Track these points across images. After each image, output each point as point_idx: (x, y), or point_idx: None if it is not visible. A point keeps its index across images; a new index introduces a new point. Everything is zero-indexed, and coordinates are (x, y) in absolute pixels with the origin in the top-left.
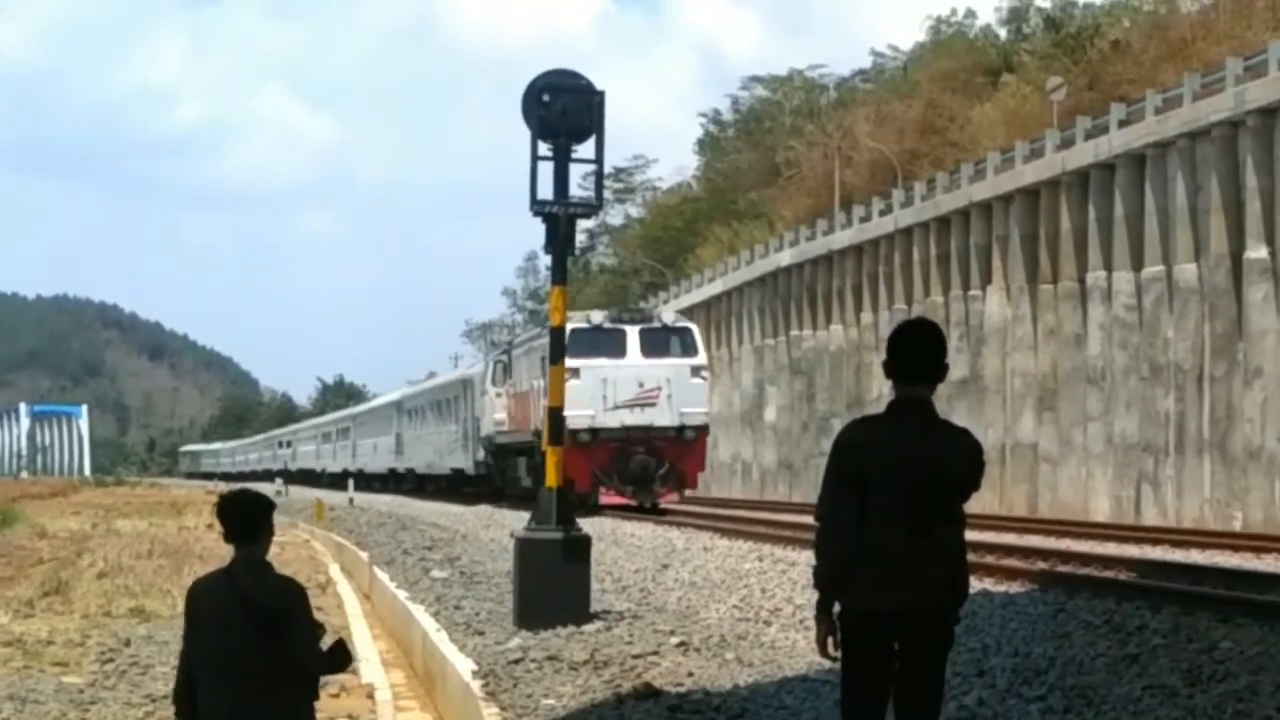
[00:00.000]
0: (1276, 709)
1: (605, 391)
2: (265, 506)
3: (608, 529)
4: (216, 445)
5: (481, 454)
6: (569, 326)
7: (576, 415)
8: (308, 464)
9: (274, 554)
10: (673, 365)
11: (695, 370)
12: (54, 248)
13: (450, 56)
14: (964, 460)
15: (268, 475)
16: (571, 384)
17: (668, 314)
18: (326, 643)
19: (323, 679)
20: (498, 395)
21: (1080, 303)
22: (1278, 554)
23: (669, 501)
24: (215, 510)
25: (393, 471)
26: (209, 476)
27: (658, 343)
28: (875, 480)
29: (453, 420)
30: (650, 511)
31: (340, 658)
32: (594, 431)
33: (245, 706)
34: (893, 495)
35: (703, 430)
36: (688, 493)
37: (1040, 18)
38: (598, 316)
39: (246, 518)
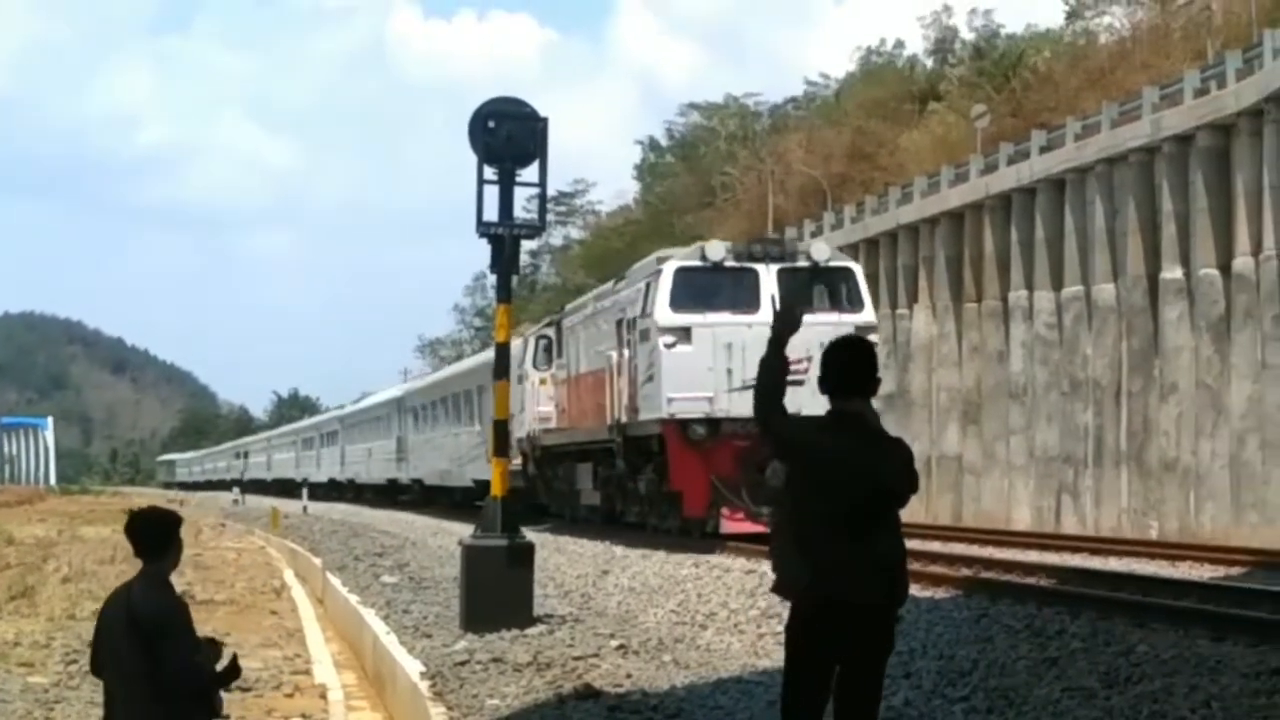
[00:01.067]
0: (1190, 710)
1: (730, 362)
2: (170, 524)
3: (550, 536)
4: (189, 454)
5: (516, 462)
6: (672, 265)
7: (685, 399)
8: (285, 473)
9: (231, 559)
10: (829, 323)
11: (862, 332)
12: (21, 266)
13: (402, 85)
14: (899, 471)
15: (243, 486)
16: (677, 352)
17: (819, 247)
18: (226, 658)
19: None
20: (541, 382)
21: (1003, 321)
22: (1192, 562)
23: None
24: (124, 527)
25: (393, 483)
26: (184, 486)
27: (806, 290)
28: (814, 482)
29: (474, 419)
30: None
31: (229, 675)
32: (713, 424)
33: (130, 709)
34: (833, 504)
35: None
36: None
37: (966, 48)
38: (717, 249)
39: (150, 535)
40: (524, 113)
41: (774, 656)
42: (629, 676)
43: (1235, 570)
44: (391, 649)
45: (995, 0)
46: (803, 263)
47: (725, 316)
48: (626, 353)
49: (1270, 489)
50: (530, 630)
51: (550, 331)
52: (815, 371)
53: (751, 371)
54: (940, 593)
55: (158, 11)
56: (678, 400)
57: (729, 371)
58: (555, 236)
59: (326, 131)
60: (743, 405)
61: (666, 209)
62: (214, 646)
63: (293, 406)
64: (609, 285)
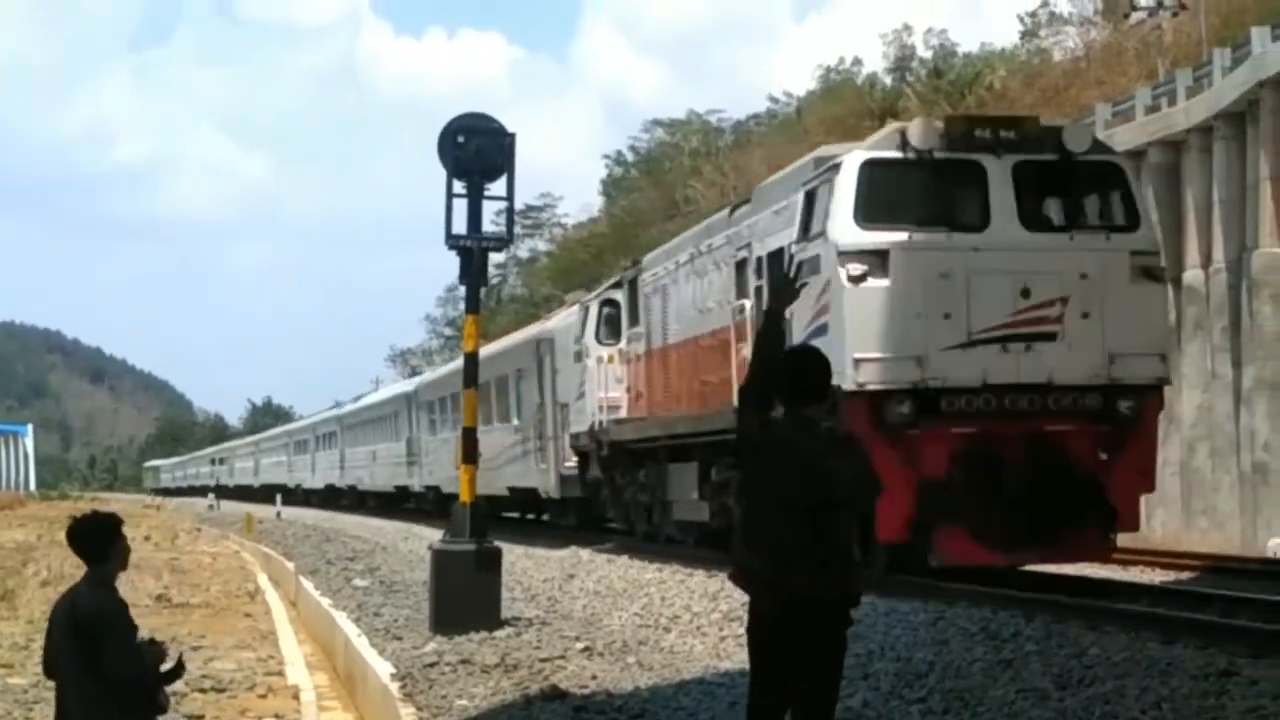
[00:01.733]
0: (1141, 711)
1: (946, 303)
2: (108, 529)
3: (517, 541)
4: (174, 460)
5: (570, 464)
6: (856, 158)
7: (879, 362)
8: (276, 478)
9: (207, 563)
10: (1094, 250)
11: (1141, 265)
12: (2, 278)
13: (373, 100)
14: (859, 475)
15: (219, 492)
16: (868, 289)
17: (1077, 132)
18: (173, 659)
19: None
20: (607, 360)
21: None
22: (1143, 566)
23: (1087, 560)
24: (65, 534)
25: (403, 490)
26: (169, 492)
27: (1057, 196)
28: (773, 485)
29: (512, 413)
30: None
31: (173, 674)
32: (924, 398)
33: (79, 709)
34: (790, 507)
35: (1153, 397)
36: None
37: (924, 66)
38: (925, 132)
39: (90, 540)
40: (492, 128)
41: (736, 659)
42: (594, 678)
43: (1185, 575)
44: (362, 651)
45: (952, 20)
46: (1050, 155)
47: (937, 237)
48: (751, 305)
49: (1220, 496)
50: (498, 632)
51: (618, 294)
52: (1080, 315)
53: (978, 320)
54: (897, 596)
55: (136, 28)
56: (869, 363)
57: (946, 318)
58: (522, 249)
59: (300, 146)
60: (966, 370)
61: (631, 222)
62: (156, 647)
63: (266, 414)
64: (718, 216)
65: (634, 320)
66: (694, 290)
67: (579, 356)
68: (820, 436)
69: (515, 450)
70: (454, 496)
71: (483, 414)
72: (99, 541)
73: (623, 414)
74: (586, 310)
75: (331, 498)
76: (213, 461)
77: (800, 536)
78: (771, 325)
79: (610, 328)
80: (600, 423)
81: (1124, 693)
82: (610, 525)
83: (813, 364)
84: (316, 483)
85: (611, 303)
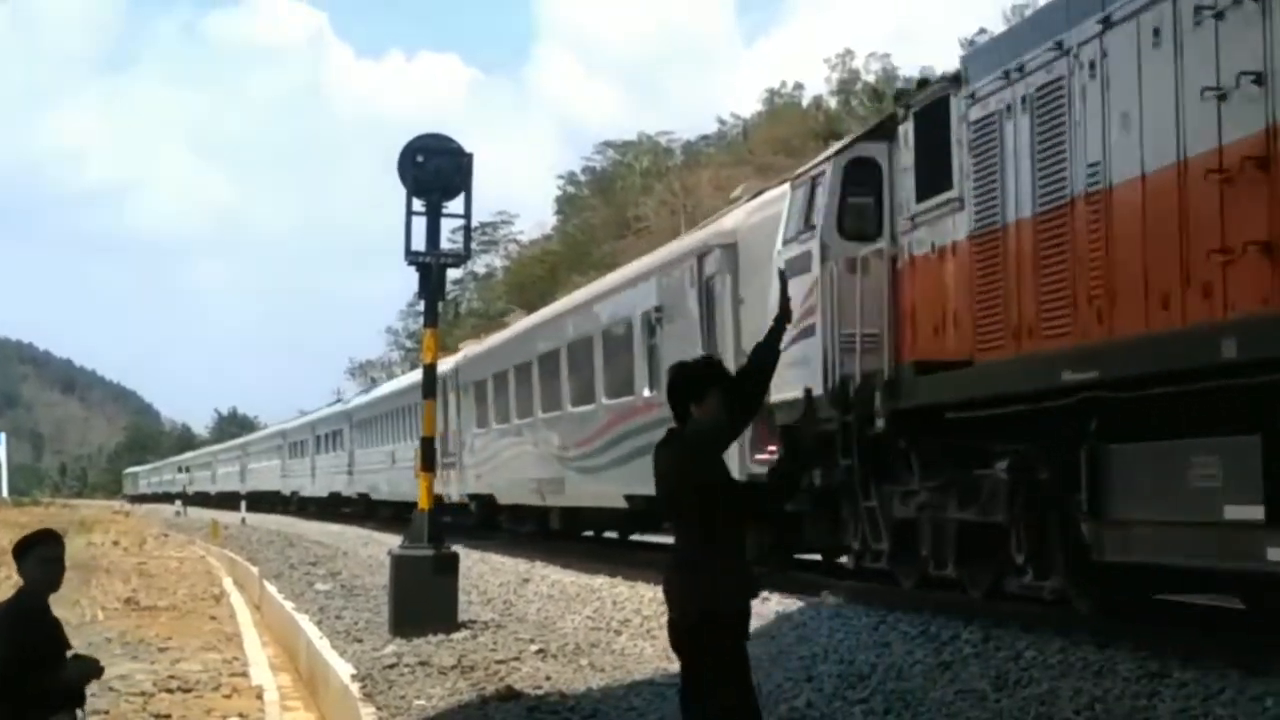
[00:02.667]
0: (1075, 711)
1: None
2: (18, 548)
3: (474, 547)
4: (149, 466)
5: (766, 454)
6: None
7: None
8: (266, 484)
9: (173, 567)
10: None
11: None
12: None
13: (336, 120)
14: (676, 471)
15: (187, 499)
16: None
17: None
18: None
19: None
20: (860, 266)
21: None
22: None
23: None
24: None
25: (443, 501)
26: (145, 499)
27: None
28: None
29: (639, 380)
30: None
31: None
32: None
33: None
34: (675, 515)
35: None
36: None
37: (867, 89)
38: None
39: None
40: (450, 148)
41: None
42: (548, 679)
43: None
44: (324, 652)
45: (895, 44)
46: None
47: None
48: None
49: None
50: (455, 635)
51: (876, 150)
52: None
53: None
54: (841, 600)
55: (106, 51)
56: None
57: None
58: (479, 265)
59: (264, 164)
60: None
61: (584, 239)
62: (87, 663)
63: (232, 424)
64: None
65: (938, 183)
66: (1163, 73)
67: (791, 270)
68: (673, 441)
69: (641, 440)
70: (520, 508)
71: (576, 386)
72: (16, 558)
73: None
74: (813, 185)
75: (333, 506)
76: (181, 470)
77: (692, 547)
78: (770, 344)
79: (861, 216)
80: (848, 373)
81: (1059, 694)
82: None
83: (672, 379)
84: (317, 490)
85: (866, 163)
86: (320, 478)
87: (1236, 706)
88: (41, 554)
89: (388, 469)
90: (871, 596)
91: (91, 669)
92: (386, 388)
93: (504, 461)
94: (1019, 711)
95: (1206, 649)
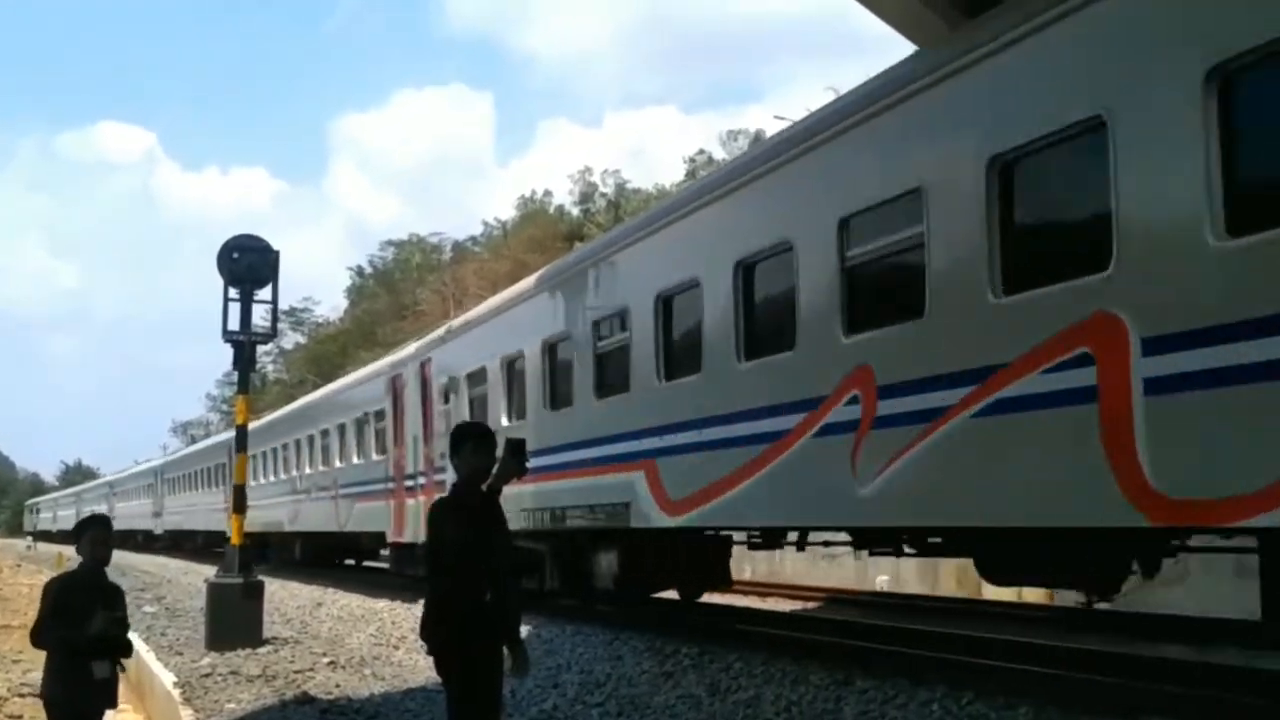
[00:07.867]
0: (776, 713)
1: None
2: None
3: (276, 576)
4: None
5: None
6: None
7: None
8: (186, 521)
9: (25, 592)
10: None
11: None
12: None
13: (166, 222)
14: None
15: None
16: None
17: None
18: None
19: None
20: None
21: None
22: (777, 598)
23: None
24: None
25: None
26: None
27: None
28: None
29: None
30: None
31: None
32: None
33: None
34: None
35: None
36: None
37: (604, 199)
38: None
39: None
40: (260, 246)
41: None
42: (338, 686)
43: (811, 604)
44: (150, 664)
45: (627, 163)
46: None
47: None
48: None
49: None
50: (260, 649)
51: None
52: None
53: None
54: (582, 620)
55: None
56: None
57: None
58: (287, 341)
59: (107, 257)
60: None
61: (370, 321)
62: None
63: (77, 473)
64: None
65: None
66: None
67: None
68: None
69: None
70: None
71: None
72: (74, 539)
73: None
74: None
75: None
76: (31, 510)
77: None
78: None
79: None
80: None
81: (762, 698)
82: None
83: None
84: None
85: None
86: (138, 519)
87: (909, 710)
88: (92, 536)
89: (189, 511)
90: (609, 617)
91: (112, 625)
92: (182, 451)
93: (270, 506)
94: (729, 713)
95: (880, 660)
